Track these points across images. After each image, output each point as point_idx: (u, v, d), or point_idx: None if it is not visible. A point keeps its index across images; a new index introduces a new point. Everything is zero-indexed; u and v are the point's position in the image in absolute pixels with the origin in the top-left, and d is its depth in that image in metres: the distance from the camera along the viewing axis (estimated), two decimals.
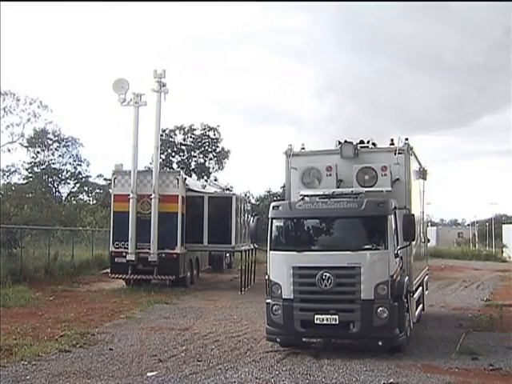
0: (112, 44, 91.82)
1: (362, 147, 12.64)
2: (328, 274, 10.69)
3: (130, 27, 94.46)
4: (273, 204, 11.80)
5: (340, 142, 12.69)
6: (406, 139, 12.52)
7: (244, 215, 25.19)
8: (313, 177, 12.20)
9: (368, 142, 12.78)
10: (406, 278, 11.71)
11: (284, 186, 15.78)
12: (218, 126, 56.40)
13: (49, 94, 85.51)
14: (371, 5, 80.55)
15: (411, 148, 12.61)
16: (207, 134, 56.28)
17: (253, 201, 55.07)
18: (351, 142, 12.59)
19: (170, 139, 55.25)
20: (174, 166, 53.96)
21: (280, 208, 11.57)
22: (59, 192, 57.33)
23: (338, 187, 12.03)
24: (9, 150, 49.37)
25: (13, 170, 54.07)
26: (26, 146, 52.61)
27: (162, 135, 42.28)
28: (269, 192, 61.09)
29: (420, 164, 14.54)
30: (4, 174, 53.82)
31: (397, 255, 11.03)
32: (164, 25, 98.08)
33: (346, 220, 11.22)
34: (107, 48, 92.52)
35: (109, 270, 23.44)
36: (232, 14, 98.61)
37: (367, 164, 12.07)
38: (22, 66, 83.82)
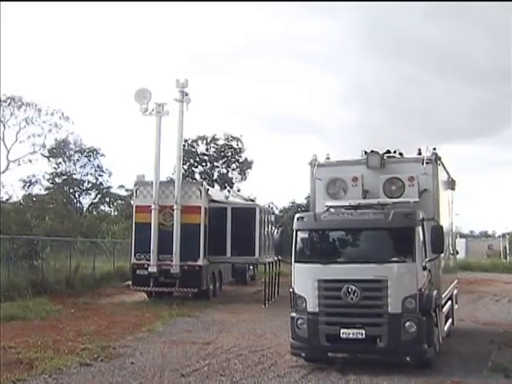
0: (133, 53, 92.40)
1: (388, 157, 12.58)
2: (354, 287, 10.63)
3: (151, 36, 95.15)
4: (297, 215, 11.78)
5: (366, 152, 12.63)
6: (434, 149, 12.44)
7: (268, 226, 25.18)
8: (338, 187, 12.17)
9: (395, 152, 12.71)
10: (435, 291, 11.60)
11: (309, 197, 15.76)
12: (241, 135, 56.76)
13: (70, 104, 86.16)
14: (397, 6, 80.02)
15: (439, 158, 12.52)
16: (230, 143, 56.56)
17: (276, 212, 55.00)
18: (377, 152, 12.53)
19: (193, 149, 55.61)
20: (197, 176, 54.25)
21: (305, 219, 11.55)
22: (80, 203, 58.06)
23: (364, 198, 11.97)
24: (30, 161, 50.25)
25: (34, 180, 54.95)
26: (47, 157, 53.44)
27: (184, 145, 42.50)
28: (293, 203, 61.11)
29: (448, 174, 14.43)
30: (25, 185, 54.65)
31: (425, 268, 10.93)
32: (185, 32, 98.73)
33: (373, 232, 11.17)
34: (129, 57, 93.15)
35: (130, 283, 23.52)
36: (255, 20, 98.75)
37: (394, 174, 12.00)
38: (44, 76, 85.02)
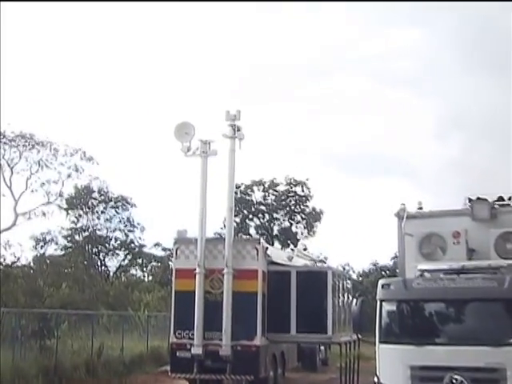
0: (171, 79, 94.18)
1: (500, 205, 12.49)
2: (460, 378, 10.48)
3: (192, 57, 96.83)
4: (382, 281, 11.73)
5: (470, 199, 12.58)
6: None
7: (343, 295, 24.99)
8: (434, 246, 12.12)
9: (510, 199, 12.60)
10: None
11: (395, 258, 15.70)
12: (307, 179, 56.92)
13: (94, 142, 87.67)
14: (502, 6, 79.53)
15: None
16: (293, 190, 56.80)
17: (354, 276, 54.67)
18: (486, 199, 12.45)
19: (247, 197, 56.06)
20: (252, 231, 54.59)
21: (392, 287, 11.49)
22: (106, 266, 58.76)
23: (470, 259, 11.89)
24: (44, 214, 50.89)
25: (48, 238, 56.06)
26: (65, 209, 54.23)
27: (236, 193, 42.94)
28: (375, 265, 60.64)
29: None
30: (37, 244, 55.71)
31: None
32: (235, 53, 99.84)
33: (483, 303, 11.02)
34: (166, 85, 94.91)
35: (168, 368, 23.56)
36: (319, 35, 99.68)
37: (509, 228, 11.88)
38: (61, 108, 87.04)
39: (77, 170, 50.74)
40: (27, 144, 48.65)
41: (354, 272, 58.52)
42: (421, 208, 12.95)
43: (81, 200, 55.89)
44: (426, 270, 11.75)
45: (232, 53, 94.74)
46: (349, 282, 28.30)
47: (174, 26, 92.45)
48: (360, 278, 56.86)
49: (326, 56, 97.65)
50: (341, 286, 24.94)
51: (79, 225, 57.23)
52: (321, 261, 36.30)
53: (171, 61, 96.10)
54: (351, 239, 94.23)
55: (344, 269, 50.01)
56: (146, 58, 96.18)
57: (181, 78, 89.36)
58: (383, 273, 50.54)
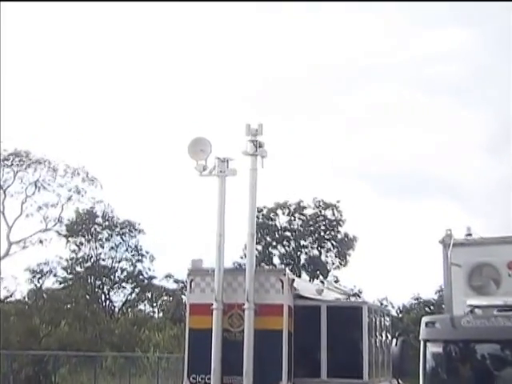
0: (184, 92, 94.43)
1: None
2: None
3: (207, 64, 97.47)
4: (426, 319, 11.64)
5: None
6: None
7: (381, 334, 24.83)
8: (486, 278, 12.00)
9: None
10: None
11: (441, 291, 15.56)
12: (338, 201, 56.93)
13: (98, 161, 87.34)
14: None
15: None
16: (323, 213, 56.76)
17: (393, 312, 54.37)
18: None
19: (270, 222, 56.09)
20: (276, 260, 54.65)
21: (437, 325, 11.39)
22: (111, 301, 58.89)
23: None
24: (41, 242, 51.14)
25: (46, 269, 56.30)
26: (64, 236, 54.41)
27: (258, 217, 42.94)
28: (417, 299, 60.30)
29: None
30: (33, 276, 55.85)
31: None
32: (253, 61, 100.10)
33: None
34: (177, 97, 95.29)
35: None
36: (354, 38, 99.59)
37: None
38: (61, 122, 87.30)
39: (78, 192, 51.04)
40: (22, 163, 48.70)
41: (393, 307, 58.24)
42: (470, 234, 12.86)
43: (82, 226, 56.05)
44: (476, 306, 11.63)
45: (252, 60, 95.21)
46: (387, 318, 28.11)
47: (187, 31, 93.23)
48: (400, 315, 56.60)
49: (361, 62, 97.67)
50: (378, 323, 24.77)
51: (81, 254, 57.56)
52: (355, 294, 36.14)
53: (183, 69, 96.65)
54: (390, 270, 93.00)
55: (382, 304, 49.74)
56: (155, 68, 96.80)
57: (194, 89, 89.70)
58: (427, 308, 50.34)
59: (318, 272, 53.68)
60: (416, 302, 60.14)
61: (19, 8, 73.27)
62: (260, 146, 23.29)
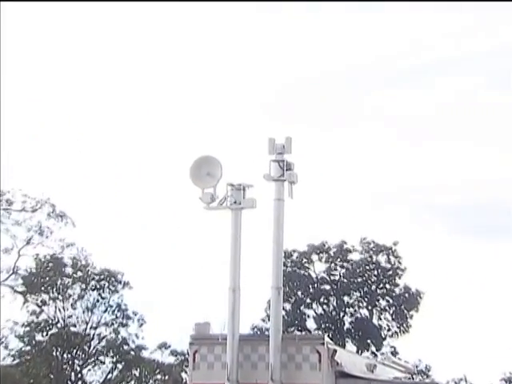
0: (188, 106, 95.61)
1: None
2: None
3: (213, 75, 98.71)
4: None
5: None
6: None
7: None
8: None
9: None
10: None
11: None
12: (396, 243, 56.47)
13: (67, 192, 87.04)
14: None
15: None
16: (374, 259, 56.36)
17: None
18: None
19: (303, 272, 55.78)
20: (310, 324, 54.35)
21: None
22: (84, 381, 58.54)
23: None
24: None
25: None
26: (21, 293, 54.24)
27: (285, 264, 42.63)
28: (508, 381, 59.64)
29: None
30: None
31: None
32: (273, 66, 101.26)
33: None
34: (179, 112, 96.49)
35: None
36: (405, 34, 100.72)
37: None
38: (16, 140, 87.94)
39: (41, 233, 50.81)
40: None
41: None
42: None
43: (46, 279, 55.75)
44: None
45: (270, 62, 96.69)
46: None
47: (190, 35, 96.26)
48: None
49: (409, 62, 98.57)
50: None
51: (43, 317, 57.30)
52: (420, 372, 35.66)
53: (184, 73, 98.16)
54: (469, 338, 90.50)
55: None
56: (149, 77, 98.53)
57: (201, 100, 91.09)
58: None
59: (369, 340, 53.25)
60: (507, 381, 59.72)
61: (19, 8, 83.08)
62: (288, 169, 22.66)
